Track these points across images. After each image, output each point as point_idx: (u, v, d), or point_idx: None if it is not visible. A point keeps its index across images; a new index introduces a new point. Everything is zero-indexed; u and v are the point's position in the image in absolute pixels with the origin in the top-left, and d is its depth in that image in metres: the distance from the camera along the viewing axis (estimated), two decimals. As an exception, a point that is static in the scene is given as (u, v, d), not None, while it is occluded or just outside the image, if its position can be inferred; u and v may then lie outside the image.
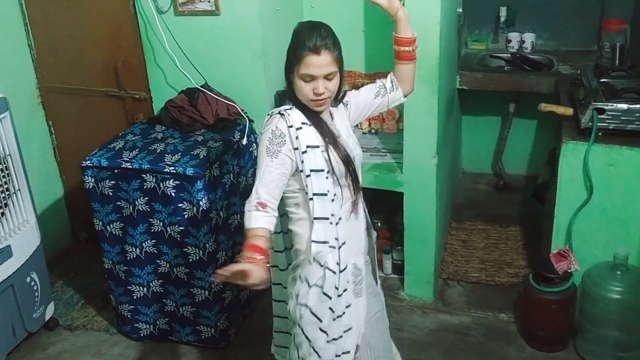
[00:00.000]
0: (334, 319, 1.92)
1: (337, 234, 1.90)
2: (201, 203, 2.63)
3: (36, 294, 3.04)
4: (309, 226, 1.91)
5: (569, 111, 2.87)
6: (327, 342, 1.93)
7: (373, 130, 3.51)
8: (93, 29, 3.31)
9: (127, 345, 3.06)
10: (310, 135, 1.89)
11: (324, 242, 1.89)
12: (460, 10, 3.59)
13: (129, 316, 2.99)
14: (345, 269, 1.92)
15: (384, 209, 3.58)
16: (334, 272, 1.89)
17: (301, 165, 1.87)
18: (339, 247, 1.91)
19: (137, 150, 2.78)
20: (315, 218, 1.88)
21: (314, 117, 1.92)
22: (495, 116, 4.14)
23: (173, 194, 2.66)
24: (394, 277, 3.36)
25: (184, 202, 2.67)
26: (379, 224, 3.53)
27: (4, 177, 2.81)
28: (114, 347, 3.07)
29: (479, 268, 3.41)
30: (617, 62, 3.26)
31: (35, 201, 3.02)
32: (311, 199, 1.87)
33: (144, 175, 2.68)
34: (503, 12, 3.86)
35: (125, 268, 2.88)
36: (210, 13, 3.00)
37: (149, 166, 2.67)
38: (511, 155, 4.17)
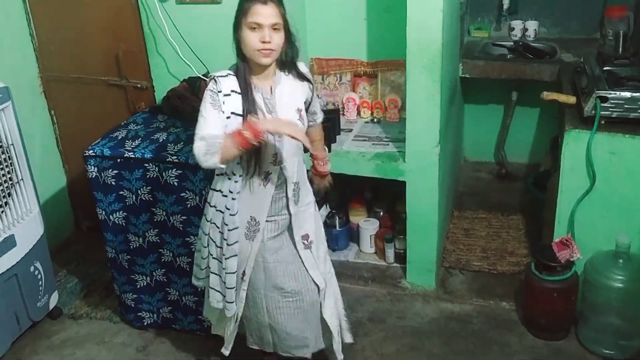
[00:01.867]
0: (226, 245, 2.19)
1: (233, 188, 2.14)
2: (204, 192, 2.63)
3: (40, 283, 3.05)
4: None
5: (572, 99, 2.86)
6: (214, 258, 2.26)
7: (375, 119, 3.51)
8: (94, 18, 3.30)
9: (130, 333, 3.08)
10: (237, 103, 2.05)
11: (219, 191, 2.20)
12: (463, -3, 3.58)
13: (132, 305, 3.01)
14: (235, 213, 2.16)
15: (385, 198, 3.59)
16: (221, 212, 2.19)
17: (223, 107, 2.05)
18: (233, 198, 2.15)
19: (140, 139, 2.78)
20: (217, 174, 2.16)
21: (246, 87, 2.06)
22: (498, 104, 4.14)
23: (176, 184, 2.67)
24: (396, 266, 3.37)
25: (187, 192, 2.67)
26: (381, 212, 3.54)
27: (7, 166, 2.81)
28: (117, 336, 3.08)
29: (480, 256, 3.42)
30: (620, 50, 3.24)
31: (38, 191, 3.03)
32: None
33: (146, 165, 2.68)
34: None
35: (129, 257, 2.89)
36: (211, 1, 2.99)
37: (151, 155, 2.67)
38: (513, 143, 4.16)
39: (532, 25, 3.85)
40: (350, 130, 3.40)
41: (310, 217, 2.37)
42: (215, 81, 2.06)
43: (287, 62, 2.15)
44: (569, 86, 3.07)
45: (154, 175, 2.69)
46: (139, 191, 2.74)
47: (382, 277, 3.32)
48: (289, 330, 2.36)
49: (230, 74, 2.08)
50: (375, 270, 3.38)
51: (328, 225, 3.49)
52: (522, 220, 3.71)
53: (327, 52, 3.57)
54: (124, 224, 2.83)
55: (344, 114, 3.54)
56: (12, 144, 2.83)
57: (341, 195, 3.59)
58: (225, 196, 2.18)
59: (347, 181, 3.32)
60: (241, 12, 2.01)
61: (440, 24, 2.75)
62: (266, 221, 2.25)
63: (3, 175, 2.79)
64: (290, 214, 2.28)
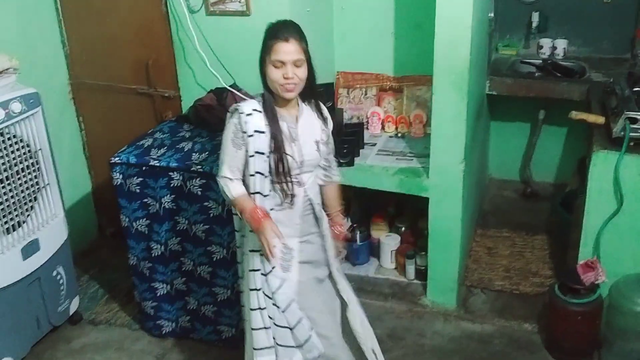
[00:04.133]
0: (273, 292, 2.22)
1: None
2: (226, 203, 2.64)
3: (62, 287, 3.08)
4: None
5: (601, 120, 2.82)
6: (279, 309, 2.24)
7: (399, 134, 3.50)
8: (125, 27, 3.35)
9: (149, 341, 3.09)
10: (261, 142, 2.13)
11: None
12: (492, 14, 3.56)
13: (152, 313, 3.02)
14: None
15: (408, 214, 3.56)
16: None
17: (247, 146, 2.14)
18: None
19: (165, 148, 2.80)
20: (251, 193, 2.17)
21: (274, 117, 2.15)
22: (524, 122, 4.09)
23: (199, 193, 2.68)
24: (417, 283, 3.33)
25: (210, 201, 2.68)
26: (403, 228, 3.52)
27: (34, 171, 2.85)
28: (136, 343, 3.09)
29: (503, 276, 3.37)
30: (651, 71, 3.20)
31: (63, 196, 3.06)
32: (252, 175, 2.15)
33: (171, 173, 2.70)
34: (535, 17, 3.81)
35: (150, 265, 2.91)
36: (241, 13, 3.02)
37: (176, 164, 2.69)
38: (539, 162, 4.11)
39: (561, 44, 3.81)
40: (374, 145, 3.39)
41: (330, 241, 2.39)
42: (240, 118, 2.13)
43: (308, 94, 2.22)
44: (598, 106, 3.03)
45: (178, 184, 2.71)
46: (162, 199, 2.76)
47: (402, 294, 3.29)
48: None
49: (255, 110, 2.15)
50: (396, 286, 3.35)
51: (349, 240, 3.48)
52: (547, 240, 3.66)
53: (353, 66, 3.58)
54: (146, 232, 2.84)
55: (368, 128, 3.53)
56: (40, 149, 2.87)
57: (363, 209, 3.57)
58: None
59: (370, 195, 3.31)
60: (265, 50, 2.10)
61: (469, 40, 2.74)
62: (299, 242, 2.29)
63: (30, 179, 2.83)
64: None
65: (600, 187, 2.67)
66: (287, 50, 2.06)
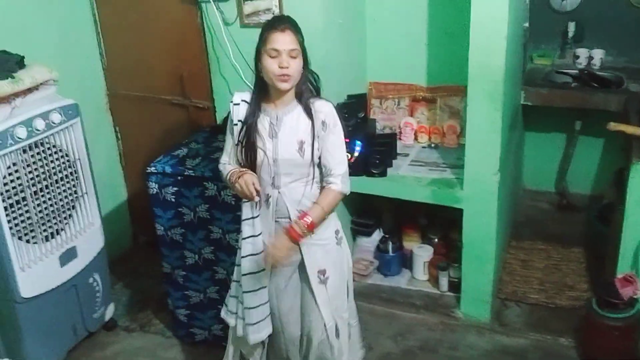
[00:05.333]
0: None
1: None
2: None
3: (97, 294, 3.13)
4: None
5: (639, 131, 2.77)
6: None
7: (433, 145, 3.48)
8: (161, 39, 3.41)
9: (182, 349, 3.12)
10: (244, 112, 2.19)
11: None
12: (527, 24, 3.53)
13: (185, 321, 3.05)
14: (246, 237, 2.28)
15: (440, 225, 3.53)
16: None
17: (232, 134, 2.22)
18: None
19: (200, 158, 2.84)
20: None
21: (256, 110, 2.18)
22: (560, 133, 4.03)
23: (233, 202, 2.70)
24: (450, 295, 3.30)
25: (243, 211, 2.70)
26: (436, 239, 3.49)
27: (72, 180, 2.91)
28: (168, 351, 3.12)
29: (538, 289, 3.32)
30: (691, 81, 3.13)
31: (100, 204, 3.12)
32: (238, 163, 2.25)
33: (205, 183, 2.73)
34: (571, 27, 3.76)
35: (184, 273, 2.94)
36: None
37: (210, 174, 2.72)
38: (575, 173, 4.04)
39: (598, 54, 3.75)
40: (407, 155, 3.38)
41: (330, 252, 2.31)
42: (231, 107, 2.22)
43: (301, 92, 2.19)
44: (636, 117, 2.98)
45: (212, 194, 2.73)
46: (197, 208, 2.79)
47: (434, 306, 3.26)
48: None
49: (243, 101, 2.21)
50: (428, 298, 3.32)
51: (381, 250, 3.47)
52: (583, 253, 3.59)
53: (386, 76, 3.57)
54: (181, 240, 2.88)
55: (400, 139, 3.52)
56: (79, 159, 2.93)
57: (395, 220, 3.56)
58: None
59: (402, 206, 3.29)
60: (261, 41, 2.12)
61: (504, 50, 2.71)
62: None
63: (69, 188, 2.90)
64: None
65: (638, 199, 2.62)
66: (283, 40, 2.07)
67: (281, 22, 2.12)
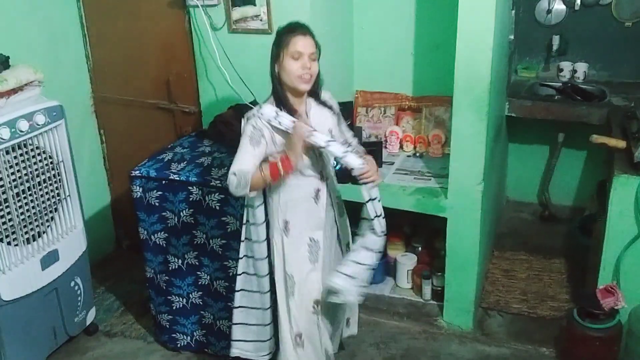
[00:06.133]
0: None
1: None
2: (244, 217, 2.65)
3: (79, 298, 3.10)
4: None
5: (621, 144, 2.81)
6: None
7: (418, 154, 3.50)
8: (148, 43, 3.40)
9: (164, 354, 3.09)
10: (284, 119, 2.22)
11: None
12: (512, 37, 3.57)
13: (167, 326, 3.03)
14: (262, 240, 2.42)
15: (424, 233, 3.55)
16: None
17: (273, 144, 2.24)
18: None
19: (185, 162, 2.83)
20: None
21: (289, 110, 2.24)
22: (543, 145, 4.08)
23: (217, 207, 2.69)
24: (433, 304, 3.31)
25: (228, 216, 2.69)
26: (419, 248, 3.50)
27: (55, 182, 2.89)
28: (150, 356, 3.10)
29: (520, 299, 3.34)
30: (672, 96, 3.18)
31: (83, 207, 3.09)
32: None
33: (190, 188, 2.72)
34: (556, 40, 3.81)
35: (167, 278, 2.92)
36: (262, 32, 3.05)
37: (195, 179, 2.71)
38: (558, 185, 4.09)
39: (581, 67, 3.81)
40: (392, 164, 3.40)
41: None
42: (255, 115, 2.23)
43: (316, 90, 2.34)
44: (618, 130, 3.02)
45: (197, 199, 2.72)
46: (181, 213, 2.78)
47: (417, 314, 3.27)
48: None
49: (262, 105, 2.25)
50: (411, 306, 3.33)
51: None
52: (565, 264, 3.62)
53: (372, 85, 3.60)
54: (164, 245, 2.86)
55: (386, 147, 3.54)
56: (62, 161, 2.91)
57: (380, 228, 3.56)
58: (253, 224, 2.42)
59: (386, 214, 3.29)
60: (282, 44, 2.20)
61: (490, 61, 2.74)
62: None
63: (51, 190, 2.87)
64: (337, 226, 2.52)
65: (620, 211, 2.65)
66: (306, 43, 2.19)
67: (301, 27, 2.23)
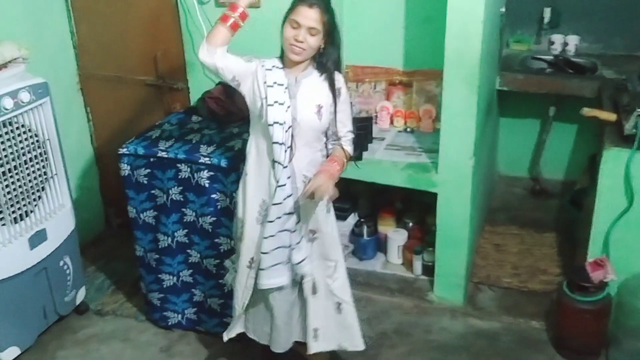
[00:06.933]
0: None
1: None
2: (234, 194, 2.63)
3: (68, 277, 3.08)
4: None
5: (612, 117, 2.80)
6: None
7: (409, 129, 3.48)
8: (134, 18, 3.34)
9: (155, 332, 3.09)
10: (279, 75, 2.24)
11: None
12: (504, 9, 3.53)
13: (158, 304, 3.02)
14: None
15: (416, 209, 3.54)
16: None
17: (265, 97, 2.22)
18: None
19: (173, 140, 2.80)
20: (274, 142, 2.22)
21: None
22: (535, 119, 4.06)
23: (207, 185, 2.67)
24: (424, 279, 3.32)
25: (217, 193, 2.67)
26: (411, 223, 3.50)
27: (42, 161, 2.85)
28: (142, 334, 3.10)
29: (511, 273, 3.35)
30: (664, 68, 3.17)
31: (71, 186, 3.06)
32: (271, 125, 2.21)
33: (179, 165, 2.70)
34: (547, 13, 3.77)
35: (157, 256, 2.90)
36: (251, 5, 2.98)
37: (184, 156, 2.68)
38: (549, 159, 4.08)
39: (573, 40, 3.78)
40: (383, 139, 3.37)
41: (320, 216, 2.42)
42: (257, 67, 2.27)
43: (323, 65, 2.28)
44: (609, 103, 3.00)
45: (186, 176, 2.70)
46: (170, 191, 2.75)
47: (409, 290, 3.28)
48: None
49: (275, 67, 2.26)
50: (403, 282, 3.33)
51: (356, 234, 3.47)
52: (556, 238, 3.63)
53: (363, 59, 3.55)
54: (154, 223, 2.84)
55: (377, 123, 3.51)
56: (49, 139, 2.87)
57: (371, 204, 3.56)
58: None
59: (377, 190, 3.29)
60: (290, 8, 2.20)
61: (480, 34, 2.71)
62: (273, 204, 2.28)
63: (38, 169, 2.84)
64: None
65: (611, 184, 2.65)
66: (308, 15, 2.14)
67: None
